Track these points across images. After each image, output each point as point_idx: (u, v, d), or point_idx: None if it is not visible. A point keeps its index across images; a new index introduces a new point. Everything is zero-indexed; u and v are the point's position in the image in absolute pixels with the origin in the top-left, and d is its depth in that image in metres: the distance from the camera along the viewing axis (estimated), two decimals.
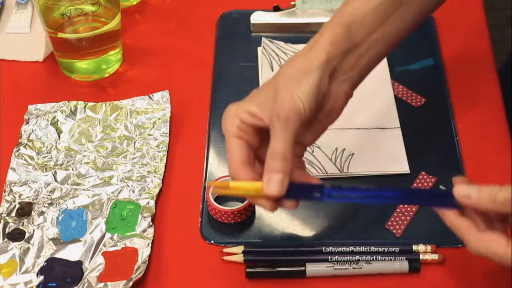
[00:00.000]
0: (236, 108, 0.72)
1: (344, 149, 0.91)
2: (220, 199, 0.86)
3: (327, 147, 0.91)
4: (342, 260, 0.81)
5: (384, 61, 1.00)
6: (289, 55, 1.02)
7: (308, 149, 0.91)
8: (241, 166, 0.70)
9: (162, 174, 0.89)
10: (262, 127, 0.71)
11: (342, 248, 0.82)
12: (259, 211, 0.86)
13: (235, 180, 0.70)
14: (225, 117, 0.72)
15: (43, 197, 0.87)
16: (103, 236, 0.84)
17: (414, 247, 0.82)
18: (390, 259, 0.81)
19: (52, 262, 0.82)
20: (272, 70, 1.00)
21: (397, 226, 0.84)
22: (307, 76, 0.71)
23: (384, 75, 0.99)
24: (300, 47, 1.02)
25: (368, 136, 0.93)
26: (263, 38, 1.04)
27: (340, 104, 0.75)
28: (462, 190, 0.70)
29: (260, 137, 0.72)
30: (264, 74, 1.00)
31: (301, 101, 0.70)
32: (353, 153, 0.91)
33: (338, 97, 0.74)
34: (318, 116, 0.73)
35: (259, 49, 1.03)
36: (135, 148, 0.92)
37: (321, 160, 0.90)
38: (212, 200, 0.85)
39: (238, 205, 0.84)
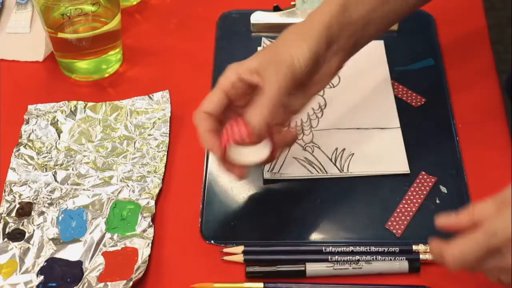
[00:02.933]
0: (237, 65, 0.77)
1: (344, 149, 0.91)
2: None
3: (327, 147, 0.91)
4: (342, 260, 0.81)
5: (384, 61, 1.00)
6: None
7: (308, 149, 0.91)
8: (204, 116, 0.77)
9: (162, 174, 0.89)
10: (255, 86, 0.76)
11: (342, 248, 0.82)
12: (260, 210, 0.87)
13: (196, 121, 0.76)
14: (224, 72, 0.77)
15: (43, 197, 0.87)
16: (103, 236, 0.84)
17: (414, 247, 0.82)
18: (390, 259, 0.81)
19: (52, 262, 0.82)
20: None
21: (397, 226, 0.84)
22: (307, 39, 0.76)
23: (384, 75, 0.99)
24: None
25: (368, 136, 0.93)
26: (263, 38, 1.04)
27: (331, 72, 0.80)
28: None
29: (246, 98, 0.78)
30: None
31: (298, 60, 0.75)
32: (353, 153, 0.91)
33: (331, 66, 0.79)
34: (310, 80, 0.79)
35: (259, 49, 1.03)
36: (135, 148, 0.92)
37: (321, 160, 0.90)
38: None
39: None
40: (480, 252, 0.67)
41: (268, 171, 0.89)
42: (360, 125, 0.93)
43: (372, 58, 1.00)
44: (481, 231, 0.67)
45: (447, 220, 0.72)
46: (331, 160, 0.90)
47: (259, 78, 0.76)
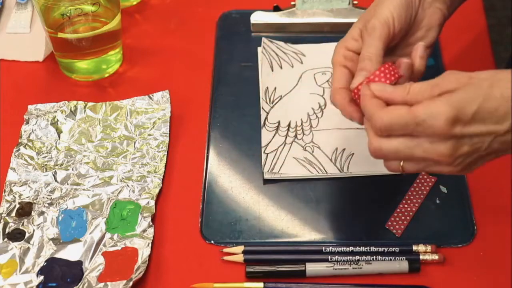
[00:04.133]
0: (343, 39, 0.81)
1: (344, 149, 0.91)
2: None
3: (327, 147, 0.91)
4: (342, 260, 0.81)
5: None
6: (289, 55, 1.02)
7: (308, 149, 0.91)
8: (339, 91, 0.78)
9: (162, 174, 0.89)
10: None
11: (342, 248, 0.82)
12: (260, 210, 0.87)
13: (334, 100, 0.78)
14: (334, 49, 0.80)
15: (43, 197, 0.87)
16: (103, 236, 0.84)
17: (414, 247, 0.82)
18: (390, 259, 0.81)
19: (52, 262, 0.82)
20: (272, 70, 1.00)
21: (397, 226, 0.84)
22: None
23: None
24: (300, 47, 1.03)
25: None
26: (263, 38, 1.04)
27: (436, 19, 0.81)
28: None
29: None
30: (264, 74, 1.00)
31: (390, 11, 0.78)
32: (353, 153, 0.91)
33: (433, 14, 0.81)
34: (416, 29, 0.81)
35: (259, 49, 1.03)
36: (135, 148, 0.92)
37: (321, 160, 0.90)
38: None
39: None
40: (404, 130, 0.70)
41: (268, 171, 0.89)
42: (360, 125, 0.93)
43: None
44: (410, 114, 0.69)
45: (382, 89, 0.72)
46: (331, 160, 0.90)
47: (361, 40, 0.79)
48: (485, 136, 0.68)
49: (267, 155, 0.91)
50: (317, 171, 0.89)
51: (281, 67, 1.00)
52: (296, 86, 0.98)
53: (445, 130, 0.67)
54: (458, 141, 0.68)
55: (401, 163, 0.72)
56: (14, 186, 0.88)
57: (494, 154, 0.71)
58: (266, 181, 0.89)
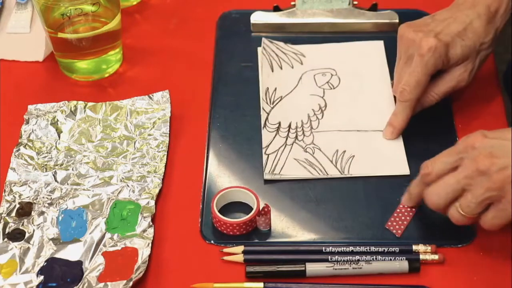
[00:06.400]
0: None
1: (344, 151, 0.91)
2: (223, 211, 0.85)
3: (328, 149, 0.91)
4: (342, 260, 0.81)
5: (384, 62, 1.00)
6: (289, 56, 1.02)
7: (309, 150, 0.91)
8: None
9: (162, 174, 0.89)
10: None
11: (342, 248, 0.82)
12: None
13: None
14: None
15: (43, 197, 0.87)
16: (103, 236, 0.84)
17: (414, 247, 0.82)
18: (390, 259, 0.81)
19: (52, 262, 0.82)
20: (272, 71, 1.00)
21: (397, 226, 0.84)
22: None
23: (384, 76, 0.99)
24: (300, 47, 1.03)
25: (369, 137, 0.93)
26: (263, 38, 1.04)
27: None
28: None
29: None
30: (264, 74, 1.00)
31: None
32: (354, 155, 0.91)
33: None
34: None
35: (259, 49, 1.03)
36: (135, 148, 0.92)
37: (322, 162, 0.90)
38: (216, 212, 0.84)
39: (243, 217, 0.84)
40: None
41: (268, 172, 0.89)
42: (360, 127, 0.93)
43: (372, 58, 1.01)
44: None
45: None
46: (331, 161, 0.90)
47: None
48: None
49: (268, 156, 0.91)
50: (318, 172, 0.89)
51: (281, 68, 1.00)
52: (296, 87, 0.98)
53: None
54: None
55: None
56: (14, 186, 0.88)
57: None
58: (266, 182, 0.89)
